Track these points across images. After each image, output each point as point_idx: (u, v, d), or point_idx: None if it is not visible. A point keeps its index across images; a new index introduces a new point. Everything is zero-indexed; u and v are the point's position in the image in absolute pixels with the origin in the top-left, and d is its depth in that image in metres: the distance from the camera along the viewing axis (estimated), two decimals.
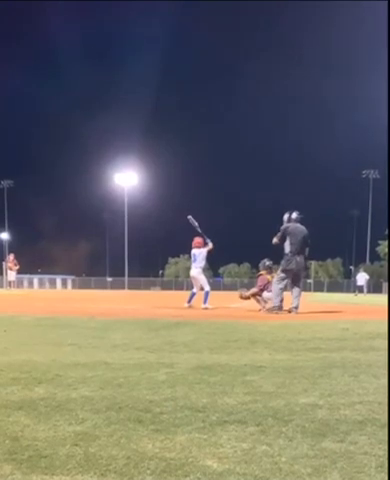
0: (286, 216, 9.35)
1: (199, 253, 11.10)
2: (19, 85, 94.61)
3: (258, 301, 10.24)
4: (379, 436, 2.11)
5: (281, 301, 9.20)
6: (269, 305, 9.52)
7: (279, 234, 9.24)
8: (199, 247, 11.12)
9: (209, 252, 11.20)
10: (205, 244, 11.15)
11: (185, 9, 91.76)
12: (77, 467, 1.79)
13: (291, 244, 9.07)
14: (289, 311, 9.15)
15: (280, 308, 9.10)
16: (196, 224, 11.28)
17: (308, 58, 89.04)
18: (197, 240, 11.17)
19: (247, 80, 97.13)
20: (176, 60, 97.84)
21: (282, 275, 9.21)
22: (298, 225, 9.27)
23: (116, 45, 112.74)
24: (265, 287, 10.08)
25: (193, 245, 11.20)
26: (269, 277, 10.08)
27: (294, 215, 9.29)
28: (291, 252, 9.06)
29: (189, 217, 11.41)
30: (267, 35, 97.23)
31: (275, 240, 9.25)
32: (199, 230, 11.25)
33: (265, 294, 9.99)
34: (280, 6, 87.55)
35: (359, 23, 78.07)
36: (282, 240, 9.17)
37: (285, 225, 9.25)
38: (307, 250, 9.28)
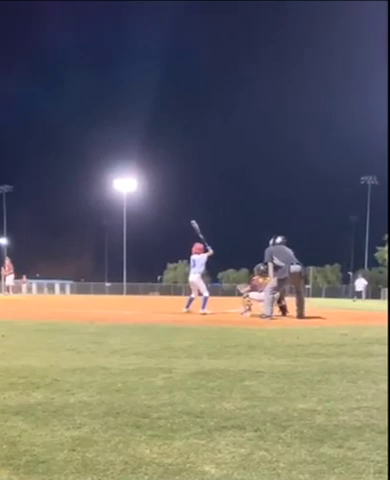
0: (271, 241, 9.76)
1: (199, 259, 11.13)
2: (18, 89, 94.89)
3: (245, 305, 10.37)
4: (377, 442, 2.10)
5: (272, 310, 9.33)
6: (264, 311, 9.60)
7: (265, 259, 9.62)
8: (199, 253, 11.14)
9: (209, 258, 11.23)
10: (205, 250, 11.18)
11: (184, 17, 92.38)
12: (74, 472, 1.79)
13: (280, 259, 9.37)
14: (298, 317, 9.39)
15: (271, 317, 9.16)
16: (198, 230, 11.32)
17: (306, 61, 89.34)
18: (197, 246, 11.21)
19: (246, 86, 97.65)
20: (176, 66, 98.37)
21: (275, 285, 9.30)
22: (281, 246, 9.61)
23: (116, 52, 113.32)
24: (254, 288, 10.39)
25: (193, 251, 11.23)
26: (261, 280, 10.24)
27: (278, 239, 9.72)
28: (283, 262, 9.27)
29: (192, 222, 11.45)
30: (265, 38, 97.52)
31: (269, 272, 9.57)
32: (201, 236, 11.28)
33: (255, 295, 10.13)
34: (277, 7, 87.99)
35: (359, 23, 78.22)
36: (270, 260, 9.45)
37: (268, 248, 9.61)
38: (299, 267, 9.42)
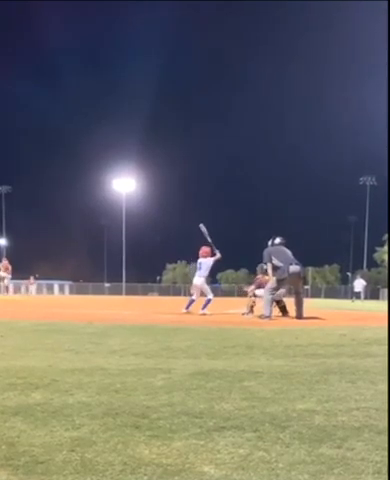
0: (270, 241, 9.73)
1: (205, 262, 11.14)
2: (17, 90, 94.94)
3: (248, 305, 10.36)
4: (376, 442, 2.10)
5: (271, 311, 9.32)
6: (263, 311, 9.60)
7: (264, 259, 9.58)
8: (206, 256, 11.15)
9: (217, 261, 11.25)
10: (213, 254, 11.18)
11: (184, 17, 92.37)
12: (74, 473, 1.78)
13: (279, 260, 9.35)
14: (296, 317, 9.40)
15: (270, 317, 9.16)
16: (207, 233, 11.32)
17: (305, 61, 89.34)
18: (204, 249, 11.20)
19: (245, 85, 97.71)
20: (175, 66, 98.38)
21: (274, 285, 9.30)
22: (280, 247, 9.59)
23: (114, 52, 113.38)
24: (261, 286, 10.36)
25: (200, 254, 11.24)
26: (267, 277, 10.25)
27: (277, 240, 9.70)
28: (282, 263, 9.27)
29: (201, 225, 11.45)
30: (265, 37, 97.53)
31: (268, 272, 9.55)
32: (209, 239, 11.27)
33: (261, 292, 10.16)
34: (278, 7, 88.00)
35: (359, 23, 78.26)
36: (269, 260, 9.41)
37: (267, 249, 9.58)
38: (299, 268, 9.41)
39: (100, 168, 65.32)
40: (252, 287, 10.75)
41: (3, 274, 26.39)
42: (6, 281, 26.93)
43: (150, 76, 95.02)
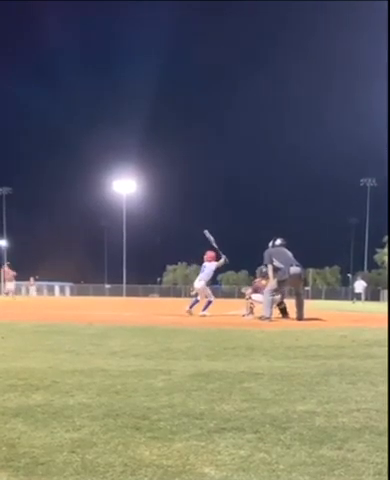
0: (271, 243, 9.73)
1: (208, 266, 11.25)
2: (18, 91, 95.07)
3: (247, 307, 10.36)
4: (377, 443, 2.10)
5: (271, 312, 9.31)
6: (263, 312, 9.61)
7: (265, 260, 9.55)
8: (210, 261, 11.22)
9: (221, 266, 11.30)
10: (218, 259, 11.24)
11: (184, 18, 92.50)
12: (74, 474, 1.78)
13: (279, 261, 9.34)
14: (297, 319, 9.44)
15: (270, 318, 9.16)
16: (212, 238, 11.37)
17: (306, 63, 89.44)
18: (209, 254, 11.30)
19: (245, 87, 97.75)
20: (175, 67, 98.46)
21: (275, 287, 9.29)
22: (281, 248, 9.59)
23: (114, 51, 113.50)
24: (257, 290, 10.38)
25: (205, 258, 11.32)
26: (264, 282, 10.24)
27: (278, 241, 9.69)
28: (283, 264, 9.26)
29: (205, 231, 11.50)
30: (264, 38, 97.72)
31: (268, 274, 9.50)
32: (214, 245, 11.32)
33: (258, 297, 10.14)
34: (278, 7, 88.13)
35: (359, 23, 78.42)
36: (270, 262, 9.38)
37: (267, 250, 9.57)
38: (299, 269, 9.40)
39: (100, 169, 65.36)
40: (249, 291, 10.78)
41: (9, 286, 26.48)
42: (8, 284, 27.00)
43: (150, 76, 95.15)
